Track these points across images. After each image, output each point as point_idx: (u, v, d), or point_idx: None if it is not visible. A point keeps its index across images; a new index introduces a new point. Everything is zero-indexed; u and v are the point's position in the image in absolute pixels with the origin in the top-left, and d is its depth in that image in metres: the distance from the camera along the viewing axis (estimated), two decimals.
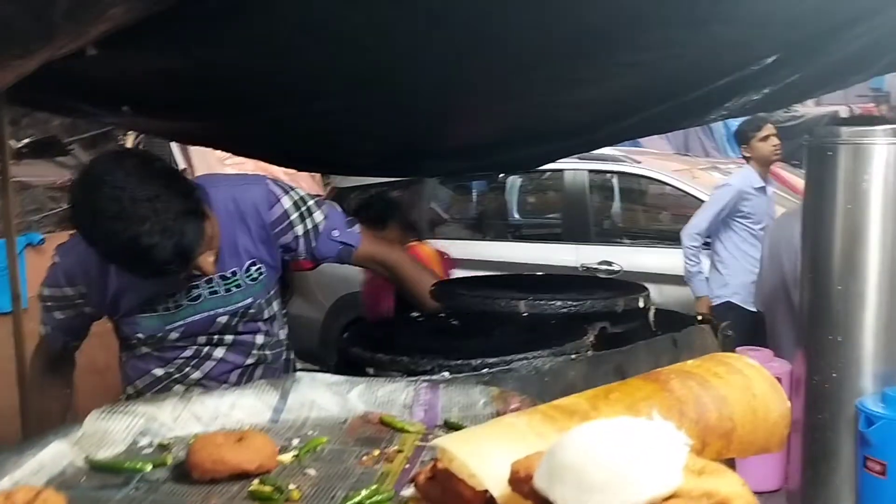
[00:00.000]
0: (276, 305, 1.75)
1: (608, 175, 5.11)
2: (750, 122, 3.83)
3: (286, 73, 1.52)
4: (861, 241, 1.43)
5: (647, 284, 1.84)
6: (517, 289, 1.71)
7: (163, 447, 1.14)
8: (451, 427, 1.17)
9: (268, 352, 1.73)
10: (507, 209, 5.64)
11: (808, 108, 8.39)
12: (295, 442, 1.15)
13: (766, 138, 3.81)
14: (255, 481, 1.02)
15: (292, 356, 1.85)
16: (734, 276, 3.80)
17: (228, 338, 1.68)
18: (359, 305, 3.85)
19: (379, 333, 1.72)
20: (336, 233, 1.72)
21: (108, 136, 4.07)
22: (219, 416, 1.19)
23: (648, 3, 1.32)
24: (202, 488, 1.02)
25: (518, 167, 3.86)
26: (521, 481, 0.70)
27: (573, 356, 1.35)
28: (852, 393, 1.44)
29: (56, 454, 1.06)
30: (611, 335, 1.54)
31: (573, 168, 4.72)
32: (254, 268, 1.66)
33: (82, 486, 1.03)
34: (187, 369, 1.67)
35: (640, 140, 5.25)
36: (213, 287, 1.63)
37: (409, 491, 0.95)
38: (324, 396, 1.23)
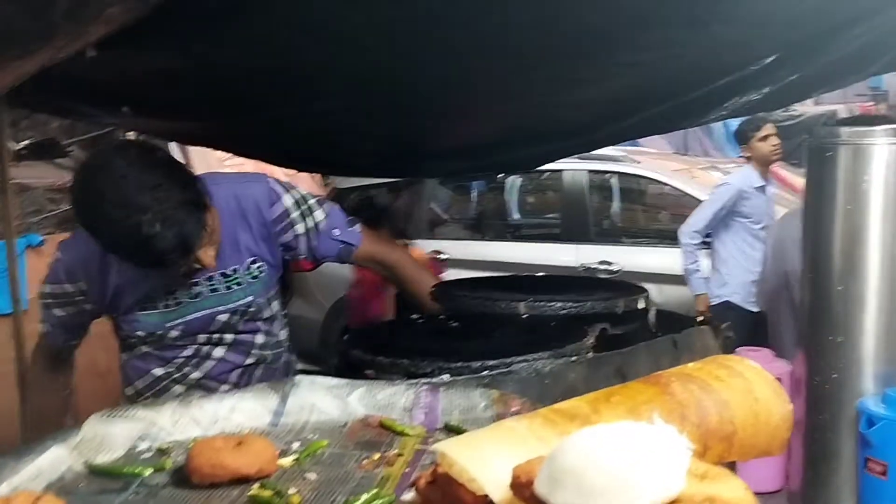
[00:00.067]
0: (276, 305, 1.75)
1: (607, 175, 5.11)
2: (750, 122, 3.83)
3: (286, 73, 1.52)
4: (861, 241, 1.43)
5: (646, 284, 1.84)
6: (517, 290, 1.71)
7: (162, 452, 1.13)
8: (451, 430, 1.17)
9: (268, 352, 1.73)
10: (506, 209, 5.64)
11: (807, 108, 8.40)
12: (295, 445, 1.14)
13: (765, 138, 3.81)
14: (255, 486, 1.02)
15: (293, 358, 1.85)
16: (733, 275, 3.80)
17: (228, 337, 1.67)
18: None
19: (379, 336, 1.72)
20: (337, 232, 1.72)
21: (107, 138, 4.06)
22: (218, 419, 1.19)
23: (648, 2, 1.32)
24: (202, 493, 1.02)
25: (518, 167, 3.85)
26: (522, 486, 0.70)
27: (573, 358, 1.35)
28: (853, 394, 1.44)
29: (55, 459, 1.06)
30: (611, 336, 1.54)
31: (572, 168, 4.72)
32: (254, 266, 1.66)
33: (81, 491, 1.03)
34: (187, 369, 1.67)
35: (640, 140, 5.25)
36: (213, 284, 1.62)
37: (409, 495, 0.94)
38: (324, 400, 1.22)
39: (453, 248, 4.78)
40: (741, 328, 3.00)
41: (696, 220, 3.87)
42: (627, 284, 1.85)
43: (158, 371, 1.67)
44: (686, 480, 0.65)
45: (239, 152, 2.69)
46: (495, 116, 1.91)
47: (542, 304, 1.57)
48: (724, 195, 3.82)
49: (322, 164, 2.89)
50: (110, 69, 1.46)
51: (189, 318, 1.63)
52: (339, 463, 1.09)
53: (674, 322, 1.69)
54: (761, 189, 3.83)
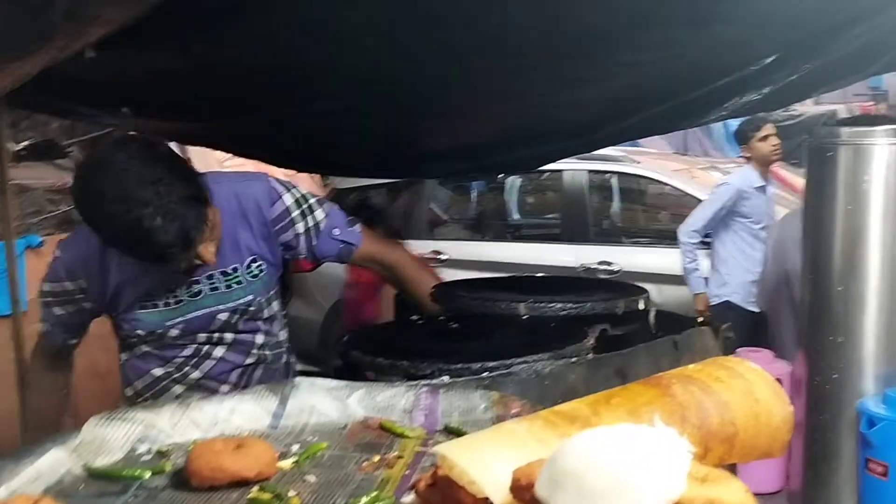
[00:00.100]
0: (276, 305, 1.75)
1: (607, 175, 5.11)
2: (749, 122, 3.83)
3: (286, 73, 1.51)
4: (861, 241, 1.43)
5: (646, 284, 1.84)
6: (517, 291, 1.71)
7: (161, 454, 1.13)
8: (451, 432, 1.17)
9: (268, 352, 1.73)
10: (506, 209, 5.64)
11: (807, 107, 8.39)
12: (294, 448, 1.14)
13: (765, 138, 3.81)
14: (255, 488, 1.02)
15: (293, 360, 1.85)
16: (733, 275, 3.80)
17: (228, 336, 1.67)
18: None
19: (378, 337, 1.71)
20: (337, 231, 1.72)
21: (107, 139, 4.06)
22: (218, 421, 1.19)
23: (648, 2, 1.32)
24: (201, 496, 1.02)
25: (518, 168, 3.85)
26: (522, 489, 0.70)
27: (573, 359, 1.34)
28: (853, 394, 1.44)
29: (54, 462, 1.05)
30: (611, 337, 1.54)
31: (572, 168, 4.71)
32: (255, 264, 1.66)
33: (80, 494, 1.03)
34: (187, 369, 1.67)
35: (640, 140, 5.25)
36: (213, 283, 1.62)
37: (409, 498, 0.94)
38: (323, 402, 1.22)
39: (453, 249, 4.78)
40: (741, 328, 3.00)
41: (695, 220, 3.87)
42: (627, 285, 1.85)
43: (158, 371, 1.67)
44: (687, 483, 0.64)
45: (239, 153, 2.69)
46: (495, 116, 1.91)
47: (542, 304, 1.56)
48: (724, 195, 3.82)
49: (322, 165, 2.89)
50: (110, 70, 1.45)
51: (189, 316, 1.63)
52: (338, 465, 1.09)
53: (674, 323, 1.69)
54: (761, 189, 3.83)
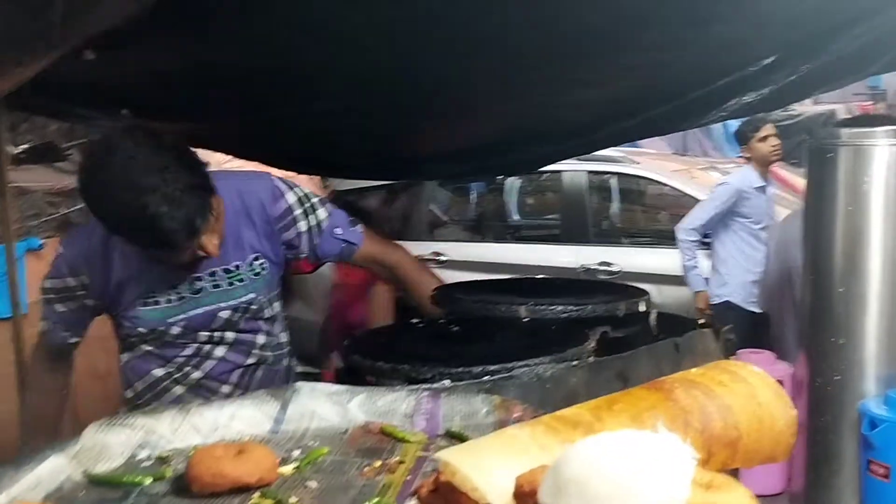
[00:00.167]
0: (277, 306, 1.74)
1: (607, 176, 5.11)
2: (749, 123, 3.83)
3: (286, 73, 1.52)
4: (862, 242, 1.43)
5: (646, 285, 1.83)
6: (517, 293, 1.71)
7: (162, 460, 1.13)
8: (452, 436, 1.16)
9: (269, 353, 1.73)
10: (505, 210, 5.64)
11: (806, 107, 8.39)
12: (295, 453, 1.14)
13: (765, 139, 3.81)
14: (256, 494, 1.02)
15: (294, 363, 1.84)
16: (733, 275, 3.80)
17: (230, 336, 1.67)
18: None
19: (379, 341, 1.71)
20: (339, 231, 1.73)
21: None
22: (218, 427, 1.18)
23: (649, 3, 1.32)
24: (202, 502, 1.01)
25: (518, 169, 3.85)
26: (525, 496, 0.69)
27: (575, 363, 1.34)
28: (855, 396, 1.44)
29: (54, 468, 1.05)
30: (612, 340, 1.54)
31: (572, 169, 4.71)
32: (257, 262, 1.66)
33: (81, 501, 1.03)
34: (187, 369, 1.66)
35: (639, 141, 5.25)
36: (215, 280, 1.62)
37: (411, 503, 0.94)
38: (324, 406, 1.22)
39: (453, 250, 4.77)
40: (741, 328, 2.99)
41: (694, 218, 3.88)
42: (628, 287, 1.85)
43: (159, 371, 1.67)
44: (691, 489, 0.64)
45: (239, 154, 2.69)
46: (495, 117, 1.91)
47: (543, 307, 1.56)
48: (723, 195, 3.82)
49: (322, 166, 2.89)
50: (109, 72, 1.46)
51: (191, 314, 1.62)
52: (340, 470, 1.08)
53: (675, 325, 1.68)
54: (761, 189, 3.83)
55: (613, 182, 5.23)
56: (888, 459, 1.38)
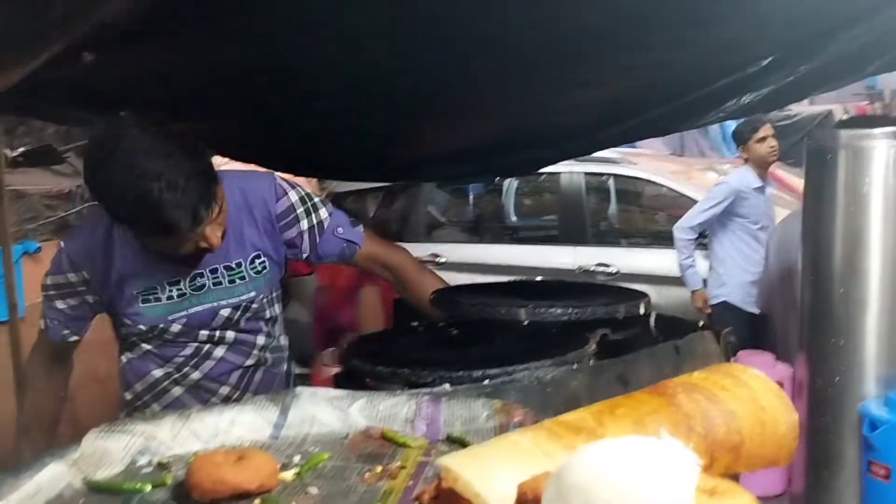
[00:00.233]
0: (277, 308, 1.75)
1: (604, 177, 5.12)
2: (747, 124, 3.84)
3: (286, 73, 1.51)
4: (862, 244, 1.43)
5: (644, 286, 1.83)
6: (516, 296, 1.70)
7: (162, 466, 1.12)
8: (453, 441, 1.16)
9: (268, 354, 1.73)
10: (503, 212, 5.64)
11: (803, 107, 8.41)
12: (296, 459, 1.13)
13: (762, 140, 3.82)
14: (257, 501, 1.01)
15: (294, 368, 1.84)
16: (731, 275, 3.81)
17: (230, 335, 1.67)
18: None
19: (378, 345, 1.71)
20: (340, 230, 1.73)
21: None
22: (218, 433, 1.18)
23: (649, 3, 1.31)
24: None
25: (518, 170, 3.85)
26: (528, 503, 0.69)
27: (575, 366, 1.34)
28: (855, 397, 1.44)
29: (53, 476, 1.04)
30: (612, 342, 1.53)
31: (569, 170, 4.72)
32: (258, 260, 1.66)
33: None
34: (186, 369, 1.66)
35: (636, 142, 5.26)
36: (216, 277, 1.62)
37: None
38: (324, 411, 1.21)
39: (451, 251, 4.78)
40: (739, 329, 3.00)
41: (691, 217, 3.89)
42: (627, 289, 1.85)
43: (158, 372, 1.67)
44: (695, 496, 0.64)
45: (237, 156, 2.69)
46: (495, 118, 1.91)
47: (543, 310, 1.56)
48: (721, 194, 3.83)
49: (320, 168, 2.88)
50: (107, 73, 1.45)
51: (191, 311, 1.62)
52: (341, 476, 1.08)
53: (675, 327, 1.68)
54: (760, 190, 3.84)
55: (611, 183, 5.24)
56: (889, 461, 1.37)
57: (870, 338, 1.43)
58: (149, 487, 1.04)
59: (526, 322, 1.55)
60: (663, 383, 0.92)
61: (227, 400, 1.67)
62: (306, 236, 1.70)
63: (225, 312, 1.64)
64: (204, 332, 1.65)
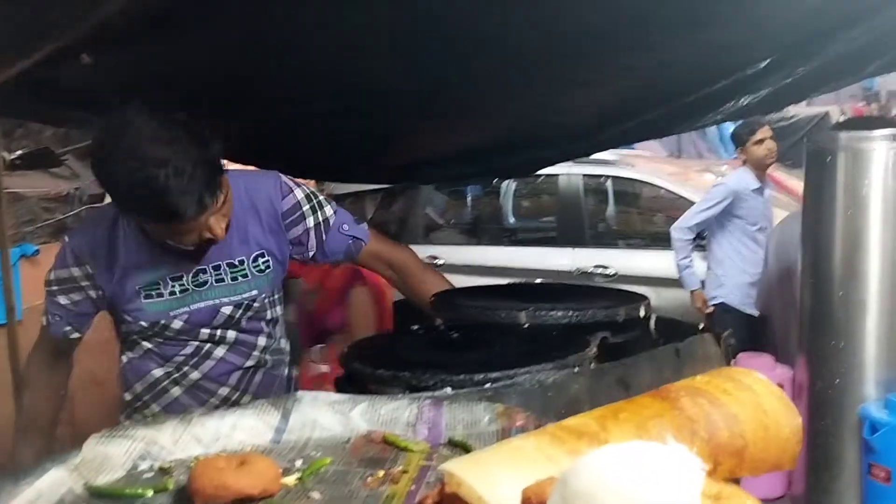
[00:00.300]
0: (279, 309, 1.75)
1: (602, 179, 5.13)
2: (745, 125, 3.85)
3: (285, 73, 1.51)
4: (862, 246, 1.43)
5: (642, 287, 1.83)
6: (516, 299, 1.70)
7: (163, 471, 1.12)
8: (455, 445, 1.16)
9: (268, 356, 1.73)
10: (501, 213, 5.64)
11: (800, 109, 8.43)
12: (298, 463, 1.13)
13: (760, 142, 3.83)
14: None
15: (294, 373, 1.84)
16: (729, 276, 3.81)
17: (231, 335, 1.67)
18: None
19: (379, 348, 1.70)
20: (346, 227, 1.74)
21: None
22: (220, 437, 1.17)
23: (648, 4, 1.32)
24: None
25: (517, 172, 3.85)
26: None
27: (576, 369, 1.33)
28: (855, 399, 1.44)
29: (54, 481, 1.04)
30: (612, 345, 1.53)
31: (567, 172, 4.73)
32: (261, 259, 1.66)
33: None
34: (186, 368, 1.66)
35: (634, 143, 5.27)
36: (219, 274, 1.62)
37: None
38: (326, 415, 1.21)
39: (449, 253, 4.78)
40: (738, 331, 3.00)
41: (688, 217, 3.90)
42: (627, 292, 1.85)
43: (158, 372, 1.67)
44: (700, 502, 0.64)
45: (236, 159, 2.68)
46: (496, 118, 1.91)
47: (543, 313, 1.56)
48: (719, 195, 3.84)
49: (320, 169, 2.88)
50: (107, 74, 1.45)
51: (194, 307, 1.62)
52: (343, 481, 1.08)
53: (674, 329, 1.68)
54: (758, 191, 3.84)
55: (609, 185, 5.25)
56: (889, 463, 1.38)
57: (870, 340, 1.43)
58: (150, 492, 1.04)
59: (526, 325, 1.55)
60: (666, 387, 0.91)
61: (226, 401, 1.67)
62: (312, 233, 1.70)
63: (226, 310, 1.64)
64: (205, 331, 1.65)
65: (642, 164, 5.27)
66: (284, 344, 1.79)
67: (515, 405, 1.21)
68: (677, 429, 0.81)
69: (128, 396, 1.71)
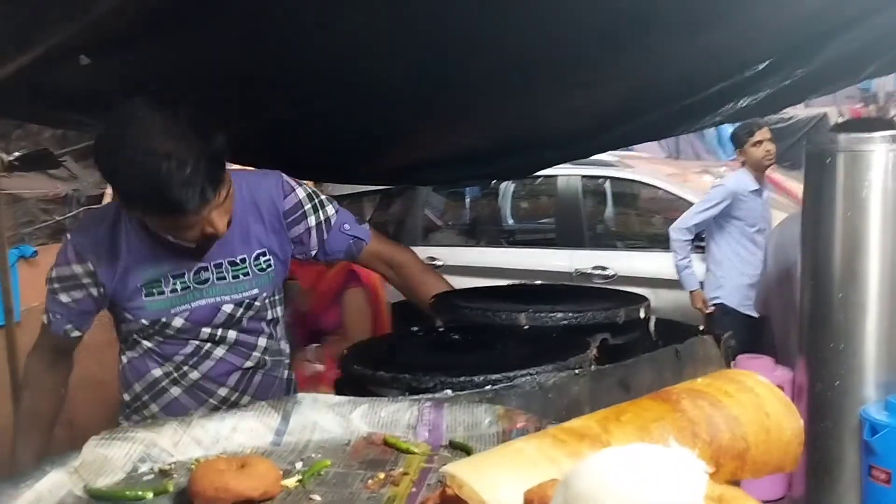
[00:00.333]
0: (279, 310, 1.75)
1: (601, 180, 5.14)
2: (744, 127, 3.86)
3: (286, 73, 1.51)
4: (861, 248, 1.43)
5: (641, 288, 1.83)
6: (516, 300, 1.70)
7: (164, 473, 1.11)
8: (456, 447, 1.16)
9: (268, 357, 1.72)
10: (500, 215, 5.65)
11: (798, 110, 8.45)
12: (298, 465, 1.12)
13: (759, 143, 3.84)
14: None
15: (294, 375, 1.84)
16: (728, 277, 3.82)
17: (231, 335, 1.66)
18: None
19: (379, 350, 1.70)
20: (347, 227, 1.75)
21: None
22: (220, 439, 1.17)
23: (648, 5, 1.32)
24: None
25: (517, 173, 3.86)
26: None
27: (576, 371, 1.33)
28: (855, 401, 1.44)
29: (54, 484, 1.03)
30: (612, 347, 1.53)
31: (566, 173, 4.73)
32: (263, 258, 1.66)
33: None
34: (185, 368, 1.66)
35: (633, 145, 5.27)
36: (220, 272, 1.62)
37: None
38: (326, 417, 1.21)
39: (448, 255, 4.78)
40: (737, 332, 3.01)
41: (687, 218, 3.91)
42: (626, 293, 1.84)
43: (157, 371, 1.66)
44: None
45: (235, 159, 2.68)
46: (495, 119, 1.91)
47: (544, 314, 1.56)
48: (717, 196, 3.85)
49: (319, 170, 2.87)
50: (105, 75, 1.45)
51: (195, 304, 1.62)
52: (343, 483, 1.07)
53: (675, 331, 1.68)
54: (756, 192, 3.85)
55: (607, 186, 5.26)
56: (889, 465, 1.38)
57: (869, 342, 1.43)
58: (150, 495, 1.03)
59: (526, 326, 1.55)
60: (667, 389, 0.91)
61: (224, 401, 1.67)
62: (314, 233, 1.70)
63: (227, 308, 1.64)
64: (206, 330, 1.65)
65: (641, 165, 5.27)
66: (285, 346, 1.79)
67: (516, 407, 1.21)
68: (679, 431, 0.81)
69: (127, 396, 1.71)
